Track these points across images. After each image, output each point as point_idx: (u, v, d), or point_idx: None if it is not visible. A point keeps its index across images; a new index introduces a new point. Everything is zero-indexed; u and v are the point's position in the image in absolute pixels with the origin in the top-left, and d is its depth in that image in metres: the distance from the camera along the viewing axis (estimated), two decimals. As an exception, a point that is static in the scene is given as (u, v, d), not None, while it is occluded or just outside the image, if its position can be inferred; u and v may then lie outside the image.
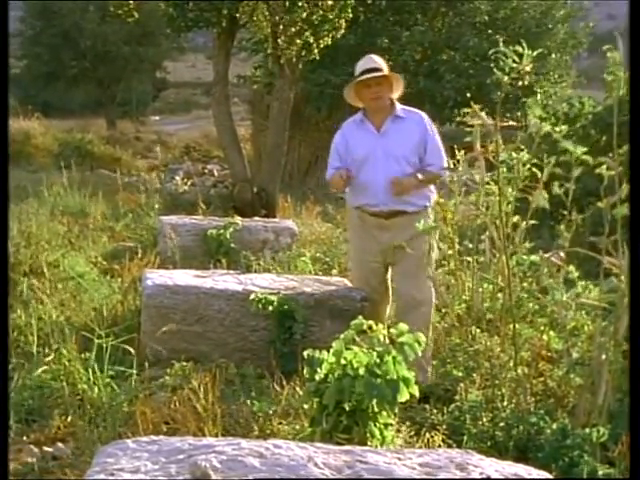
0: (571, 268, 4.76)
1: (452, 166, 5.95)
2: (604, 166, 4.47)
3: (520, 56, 4.55)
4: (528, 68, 4.58)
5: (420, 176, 6.07)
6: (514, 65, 4.55)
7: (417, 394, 3.98)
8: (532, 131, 4.79)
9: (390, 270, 6.35)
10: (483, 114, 4.80)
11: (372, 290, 6.36)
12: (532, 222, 4.92)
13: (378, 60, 6.30)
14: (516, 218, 4.90)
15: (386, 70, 6.23)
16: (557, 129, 4.70)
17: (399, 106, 6.29)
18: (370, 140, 6.24)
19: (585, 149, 4.59)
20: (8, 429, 4.42)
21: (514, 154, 4.77)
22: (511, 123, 5.29)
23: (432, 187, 6.30)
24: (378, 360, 3.90)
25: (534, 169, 4.78)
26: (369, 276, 6.40)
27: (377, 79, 6.15)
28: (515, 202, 4.89)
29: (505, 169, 4.80)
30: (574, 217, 4.65)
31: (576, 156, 4.55)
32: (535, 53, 4.59)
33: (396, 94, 6.31)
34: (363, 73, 6.17)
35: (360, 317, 4.16)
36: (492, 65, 4.77)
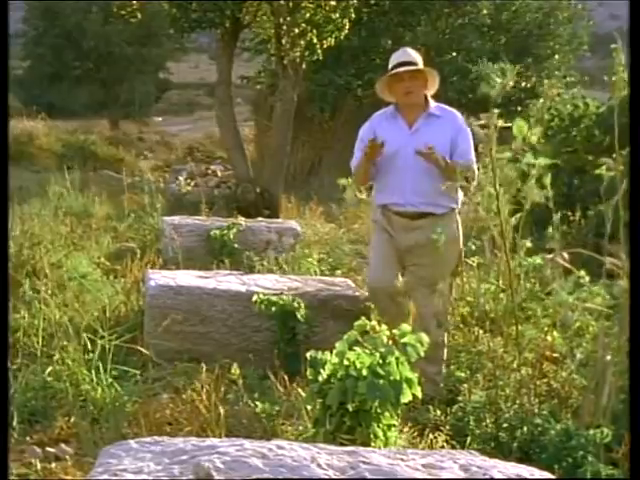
0: (582, 273, 4.74)
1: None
2: (604, 167, 4.47)
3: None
4: (511, 83, 4.57)
5: (449, 161, 5.70)
6: (498, 80, 4.55)
7: (420, 395, 3.98)
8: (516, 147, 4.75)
9: (408, 276, 5.90)
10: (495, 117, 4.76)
11: (387, 297, 5.88)
12: (521, 219, 4.89)
13: (413, 54, 6.03)
14: (514, 218, 4.87)
15: (421, 64, 5.97)
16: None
17: (433, 103, 6.04)
18: (401, 136, 5.93)
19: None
20: (8, 429, 4.42)
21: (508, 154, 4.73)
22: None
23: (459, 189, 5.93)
24: (381, 361, 3.90)
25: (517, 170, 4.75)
26: (386, 281, 5.81)
27: (411, 73, 5.88)
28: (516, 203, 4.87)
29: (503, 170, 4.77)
30: (573, 217, 4.65)
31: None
32: (515, 70, 4.59)
33: (431, 91, 6.05)
34: (397, 66, 5.90)
35: (363, 317, 4.16)
36: (490, 72, 4.76)
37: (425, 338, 4.05)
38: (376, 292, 5.95)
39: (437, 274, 5.65)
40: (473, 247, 5.54)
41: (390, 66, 5.98)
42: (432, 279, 5.66)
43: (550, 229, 4.66)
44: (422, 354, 4.05)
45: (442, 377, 5.65)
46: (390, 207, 5.98)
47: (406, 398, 3.89)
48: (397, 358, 3.91)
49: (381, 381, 3.84)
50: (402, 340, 4.01)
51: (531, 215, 4.91)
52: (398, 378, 3.86)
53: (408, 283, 5.81)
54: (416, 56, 6.00)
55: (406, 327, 4.07)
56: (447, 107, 6.09)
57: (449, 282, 5.76)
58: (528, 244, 4.94)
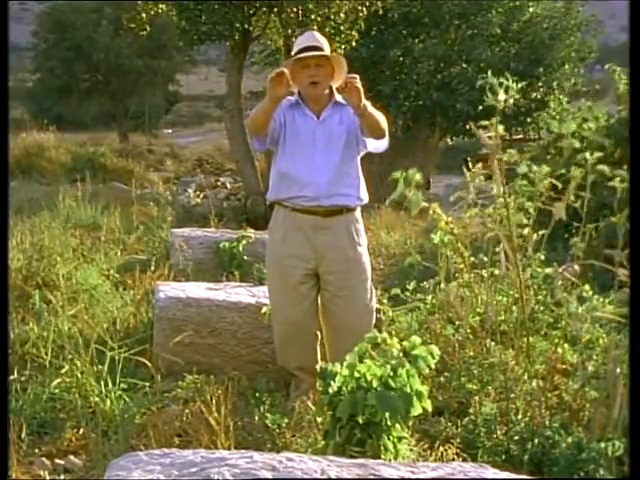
0: (586, 287, 4.71)
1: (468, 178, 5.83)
2: (617, 179, 4.46)
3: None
4: (512, 100, 4.53)
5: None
6: (502, 96, 4.52)
7: (430, 408, 3.96)
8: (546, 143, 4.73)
9: (322, 286, 5.51)
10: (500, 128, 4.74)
11: (298, 313, 5.49)
12: (545, 233, 4.87)
13: (320, 38, 5.48)
14: (526, 230, 4.85)
15: (328, 50, 5.43)
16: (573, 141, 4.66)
17: (339, 96, 5.45)
18: (309, 124, 5.45)
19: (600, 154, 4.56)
20: (7, 434, 4.42)
21: (535, 167, 4.69)
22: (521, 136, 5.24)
23: (362, 184, 5.54)
24: (392, 373, 3.88)
25: (554, 182, 4.72)
26: (297, 293, 5.48)
27: (317, 60, 5.32)
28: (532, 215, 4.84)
29: (524, 182, 4.74)
30: (588, 229, 4.62)
31: (591, 163, 4.53)
32: (520, 85, 4.57)
33: (337, 81, 5.39)
34: (302, 51, 5.34)
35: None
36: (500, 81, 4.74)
37: (436, 350, 4.04)
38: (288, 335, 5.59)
39: (353, 284, 5.45)
40: (485, 259, 5.49)
41: (294, 50, 5.49)
42: (348, 290, 5.45)
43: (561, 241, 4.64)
44: (432, 366, 4.05)
45: None
46: (297, 203, 5.43)
47: (416, 411, 3.87)
48: (407, 371, 3.89)
49: (392, 393, 3.82)
50: (412, 352, 4.00)
51: (543, 227, 4.89)
52: (408, 391, 3.85)
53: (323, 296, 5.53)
54: (323, 41, 5.47)
55: (416, 339, 4.05)
56: None
57: (369, 288, 5.55)
58: (542, 257, 4.93)
